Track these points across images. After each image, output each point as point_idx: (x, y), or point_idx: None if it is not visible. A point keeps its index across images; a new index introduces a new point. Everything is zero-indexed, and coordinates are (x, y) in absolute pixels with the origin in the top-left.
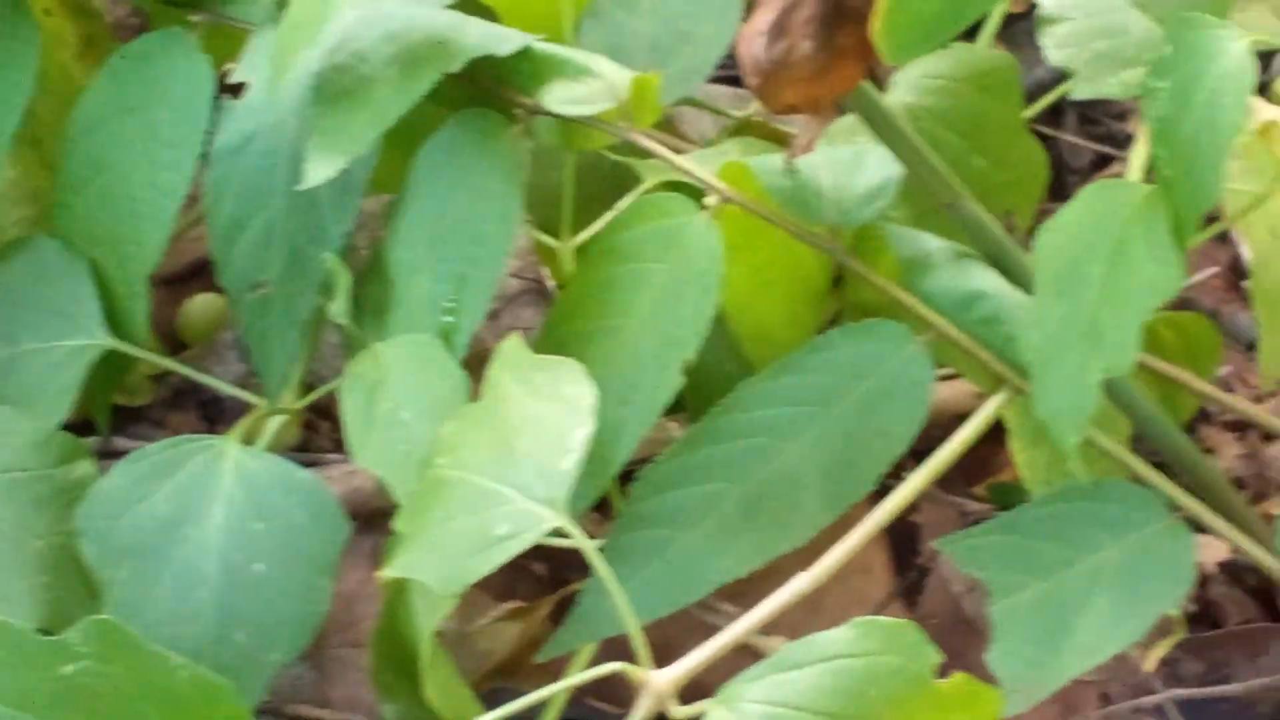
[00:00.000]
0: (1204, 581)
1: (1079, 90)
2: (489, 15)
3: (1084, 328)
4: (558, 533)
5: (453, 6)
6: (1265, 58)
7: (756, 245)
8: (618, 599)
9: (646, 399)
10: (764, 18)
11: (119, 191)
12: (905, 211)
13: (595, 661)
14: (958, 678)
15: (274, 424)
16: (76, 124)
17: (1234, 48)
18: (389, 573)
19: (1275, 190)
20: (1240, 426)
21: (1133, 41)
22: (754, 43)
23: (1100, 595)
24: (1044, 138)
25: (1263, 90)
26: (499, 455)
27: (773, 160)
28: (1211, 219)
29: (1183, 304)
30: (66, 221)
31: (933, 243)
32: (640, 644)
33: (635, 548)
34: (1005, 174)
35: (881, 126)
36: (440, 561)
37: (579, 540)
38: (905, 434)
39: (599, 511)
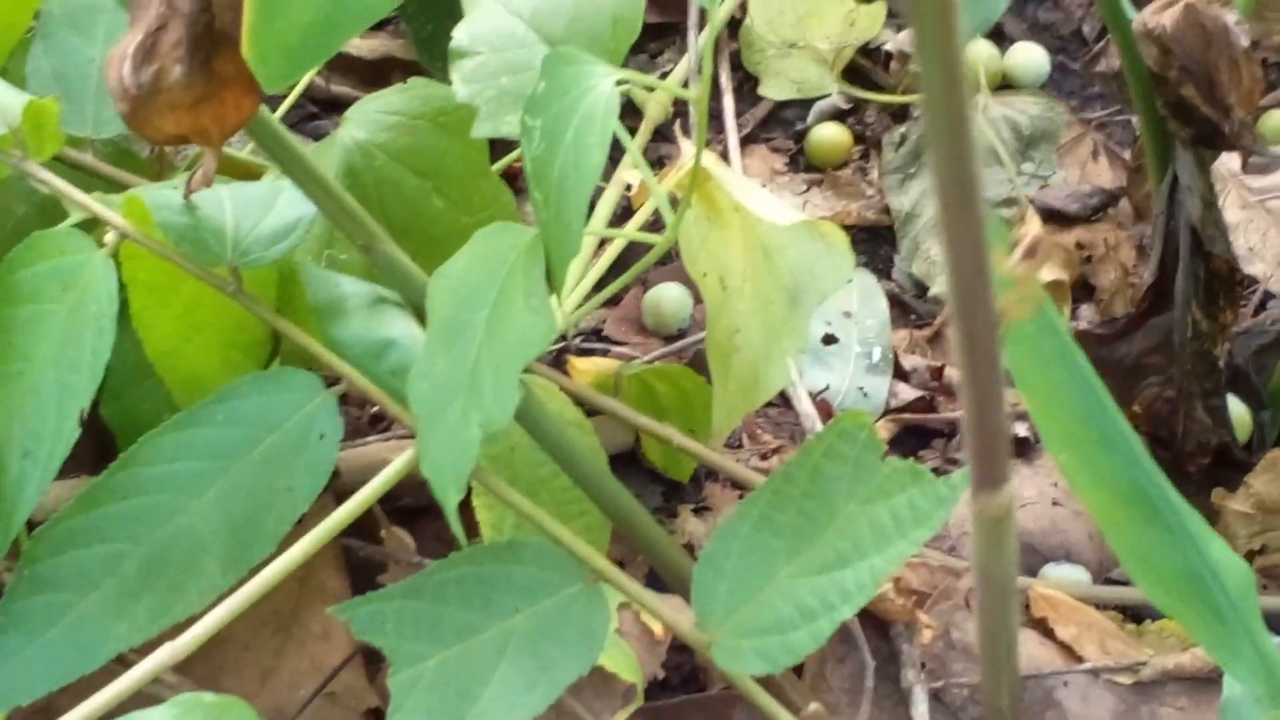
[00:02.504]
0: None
1: (479, 129)
2: None
3: (466, 379)
4: None
5: None
6: (805, 105)
7: (180, 287)
8: None
9: (48, 451)
10: (131, 39)
11: None
12: (358, 254)
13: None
14: None
15: None
16: None
17: (602, 86)
18: None
19: (726, 240)
20: (742, 485)
21: (534, 78)
22: (120, 67)
23: (508, 663)
24: None
25: (801, 137)
26: None
27: (172, 195)
28: None
29: (696, 359)
30: None
31: (351, 287)
32: None
33: (31, 614)
34: (469, 216)
35: (286, 161)
36: None
37: None
38: (310, 490)
39: None
